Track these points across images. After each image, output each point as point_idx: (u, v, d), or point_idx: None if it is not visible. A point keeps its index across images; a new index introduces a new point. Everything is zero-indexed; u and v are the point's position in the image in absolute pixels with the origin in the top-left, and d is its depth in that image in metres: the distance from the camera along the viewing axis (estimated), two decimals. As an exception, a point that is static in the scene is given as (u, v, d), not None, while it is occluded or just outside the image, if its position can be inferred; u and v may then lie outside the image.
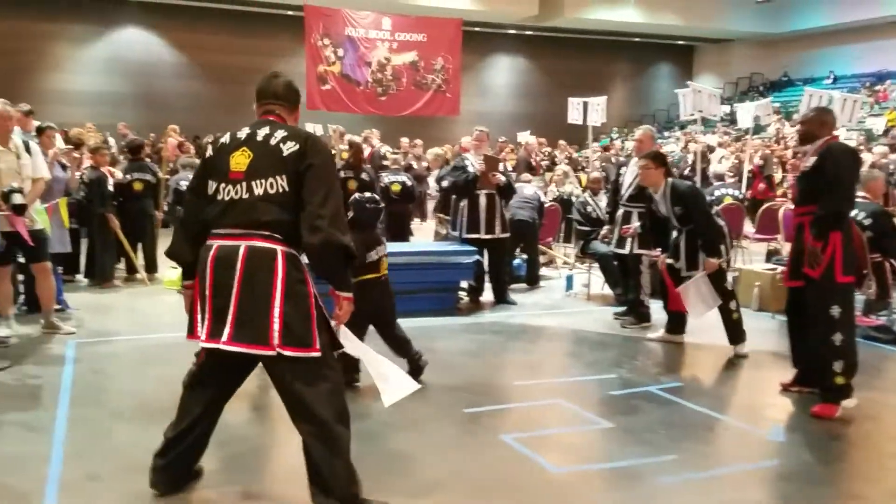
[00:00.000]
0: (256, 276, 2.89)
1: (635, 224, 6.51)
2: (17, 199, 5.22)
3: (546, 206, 9.01)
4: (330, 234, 2.85)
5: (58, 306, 6.33)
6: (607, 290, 7.82)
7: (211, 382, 3.18)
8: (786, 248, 8.69)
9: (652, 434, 4.15)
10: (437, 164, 9.61)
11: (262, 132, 3.03)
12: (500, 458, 3.80)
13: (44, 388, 4.71)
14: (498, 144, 15.74)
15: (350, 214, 4.71)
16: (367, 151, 11.32)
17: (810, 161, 4.52)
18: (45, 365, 5.19)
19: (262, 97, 3.18)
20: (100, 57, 23.29)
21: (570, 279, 8.25)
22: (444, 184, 7.88)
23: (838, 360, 4.39)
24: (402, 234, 8.89)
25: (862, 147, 13.77)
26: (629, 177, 6.70)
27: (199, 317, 3.02)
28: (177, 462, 3.22)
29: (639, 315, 6.60)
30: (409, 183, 8.80)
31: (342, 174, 8.25)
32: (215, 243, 2.98)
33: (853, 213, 5.15)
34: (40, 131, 6.82)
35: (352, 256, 2.97)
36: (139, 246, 8.27)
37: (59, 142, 7.45)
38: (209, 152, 3.14)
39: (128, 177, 8.22)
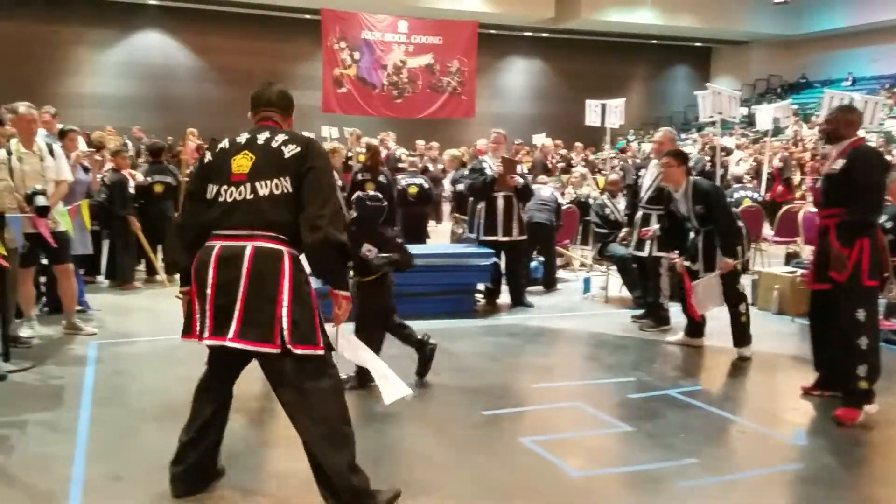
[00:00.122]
0: (264, 276, 2.92)
1: (654, 226, 6.49)
2: (41, 200, 5.28)
3: (563, 208, 9.00)
4: (329, 232, 2.92)
5: (79, 307, 6.41)
6: (625, 293, 7.80)
7: (217, 383, 3.23)
8: (805, 251, 8.65)
9: (672, 438, 4.13)
10: (454, 166, 9.62)
11: (262, 136, 3.10)
12: (519, 461, 3.79)
13: (66, 389, 4.76)
14: (514, 146, 15.73)
15: (353, 213, 4.75)
16: (382, 154, 11.31)
17: (838, 164, 4.44)
18: (67, 365, 5.25)
19: (258, 105, 3.27)
20: (118, 61, 23.49)
21: (587, 282, 8.23)
22: (460, 186, 7.89)
23: (863, 365, 4.34)
24: (419, 236, 8.90)
25: (882, 150, 13.65)
26: (648, 179, 6.68)
27: (197, 317, 3.04)
28: (195, 466, 3.24)
29: (658, 318, 6.57)
30: (425, 185, 8.81)
31: (359, 176, 8.27)
32: (217, 244, 3.00)
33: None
34: (62, 134, 6.89)
35: (348, 256, 3.06)
36: (159, 248, 8.34)
37: (82, 144, 7.53)
38: (208, 157, 3.17)
39: (148, 179, 8.31)
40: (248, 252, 2.93)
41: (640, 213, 6.74)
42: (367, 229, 4.77)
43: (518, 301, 7.48)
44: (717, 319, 5.82)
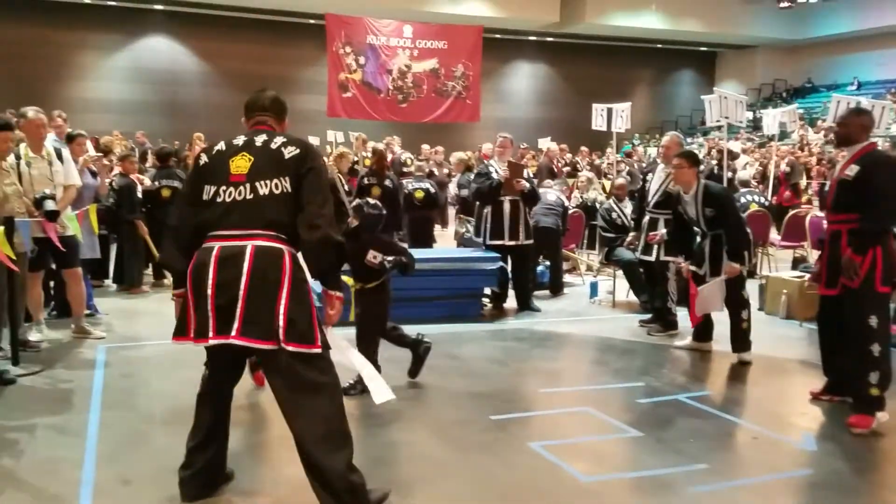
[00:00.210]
0: (265, 274, 2.93)
1: (662, 231, 6.48)
2: (50, 205, 5.29)
3: (570, 212, 8.99)
4: (329, 232, 2.98)
5: (87, 311, 6.43)
6: (632, 297, 7.79)
7: (218, 386, 3.23)
8: (812, 256, 8.62)
9: (681, 443, 4.12)
10: (460, 169, 9.62)
11: (259, 139, 3.13)
12: (528, 466, 3.78)
13: (75, 392, 4.77)
14: (519, 151, 15.72)
15: (355, 222, 4.74)
16: (388, 158, 11.34)
17: (852, 170, 4.38)
18: (76, 369, 5.26)
19: (252, 110, 3.31)
20: (125, 65, 23.60)
21: (594, 286, 8.22)
22: (464, 192, 7.89)
23: (875, 371, 4.30)
24: (426, 240, 8.92)
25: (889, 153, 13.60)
26: (655, 183, 6.67)
27: (192, 319, 3.02)
28: (204, 470, 3.24)
29: (665, 322, 6.56)
30: (432, 190, 8.82)
31: (365, 181, 8.30)
32: (217, 244, 2.99)
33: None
34: (70, 139, 6.91)
35: (344, 257, 3.10)
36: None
37: (91, 149, 7.56)
38: (203, 160, 3.17)
39: (156, 184, 8.33)
40: (248, 251, 2.94)
41: (647, 218, 6.72)
42: (369, 237, 4.78)
43: (525, 305, 7.47)
44: (725, 325, 5.81)
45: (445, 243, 10.33)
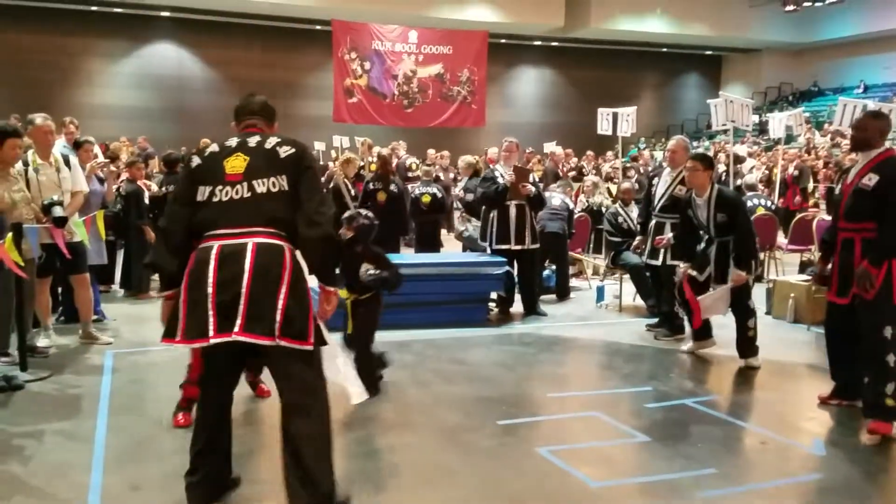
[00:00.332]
0: (267, 271, 2.94)
1: (668, 235, 6.46)
2: (58, 211, 5.31)
3: (576, 216, 8.98)
4: (329, 229, 3.05)
5: (95, 317, 6.44)
6: (639, 302, 7.77)
7: (217, 387, 3.20)
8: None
9: (690, 447, 4.11)
10: (468, 173, 9.62)
11: (252, 140, 3.18)
12: (537, 472, 3.77)
13: (83, 398, 4.78)
14: (525, 155, 15.73)
15: (346, 232, 4.76)
16: (393, 163, 11.35)
17: (871, 179, 4.27)
18: (84, 375, 5.28)
19: (242, 114, 3.37)
20: (131, 72, 23.68)
21: (601, 290, 8.20)
22: (469, 197, 7.89)
23: (891, 383, 4.20)
24: (433, 244, 8.92)
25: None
26: (662, 187, 6.66)
27: (185, 320, 2.98)
28: (210, 476, 3.23)
29: (672, 327, 6.54)
30: (439, 194, 8.83)
31: (371, 186, 8.31)
32: (216, 243, 2.99)
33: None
34: (78, 145, 6.94)
35: (340, 254, 3.20)
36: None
37: (100, 155, 7.59)
38: (195, 162, 3.18)
39: (163, 189, 8.34)
40: (249, 248, 2.95)
41: (653, 222, 6.71)
42: (362, 247, 4.79)
43: (531, 310, 7.46)
44: (731, 328, 5.78)
45: (453, 248, 10.32)
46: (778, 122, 13.02)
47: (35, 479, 3.58)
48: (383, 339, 6.04)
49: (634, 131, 11.59)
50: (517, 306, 7.56)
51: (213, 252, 2.97)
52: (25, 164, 5.53)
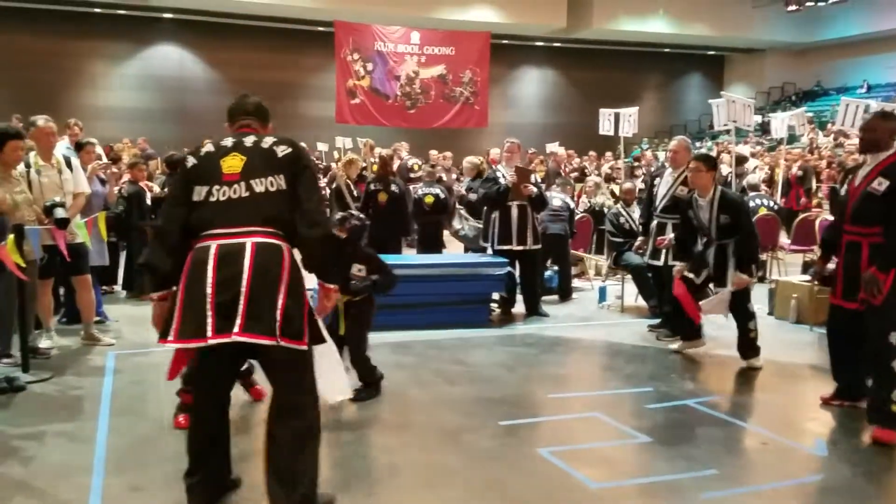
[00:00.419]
0: (266, 270, 2.94)
1: (670, 235, 6.45)
2: (60, 213, 5.32)
3: (577, 217, 8.97)
4: (329, 228, 3.11)
5: (97, 318, 6.45)
6: (641, 302, 7.76)
7: (213, 388, 3.19)
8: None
9: (691, 448, 4.10)
10: (472, 174, 9.61)
11: (248, 140, 3.17)
12: (537, 472, 3.77)
13: (85, 399, 4.79)
14: (528, 156, 15.74)
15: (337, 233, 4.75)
16: (396, 164, 11.36)
17: (882, 184, 4.21)
18: (85, 376, 5.28)
19: (236, 114, 3.36)
20: (134, 74, 23.74)
21: (602, 291, 8.20)
22: (473, 196, 7.89)
23: None
24: (436, 245, 8.92)
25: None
26: (664, 188, 6.65)
27: (181, 320, 2.96)
28: (209, 477, 3.23)
29: (674, 327, 6.52)
30: (441, 195, 8.83)
31: (372, 187, 8.30)
32: (214, 243, 2.98)
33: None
34: (80, 146, 6.96)
35: (339, 252, 3.24)
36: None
37: (104, 156, 7.61)
38: (191, 162, 3.17)
39: (165, 190, 8.36)
40: (248, 247, 2.95)
41: (655, 222, 6.71)
42: (353, 248, 4.78)
43: (533, 311, 7.46)
44: (733, 329, 5.77)
45: (455, 249, 10.32)
46: (780, 122, 13.00)
47: (36, 481, 3.58)
48: (386, 339, 6.09)
49: (636, 131, 11.58)
50: (519, 307, 7.56)
51: (212, 252, 2.96)
52: (27, 165, 5.54)
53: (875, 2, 23.39)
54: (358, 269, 4.70)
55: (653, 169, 14.17)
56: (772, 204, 10.08)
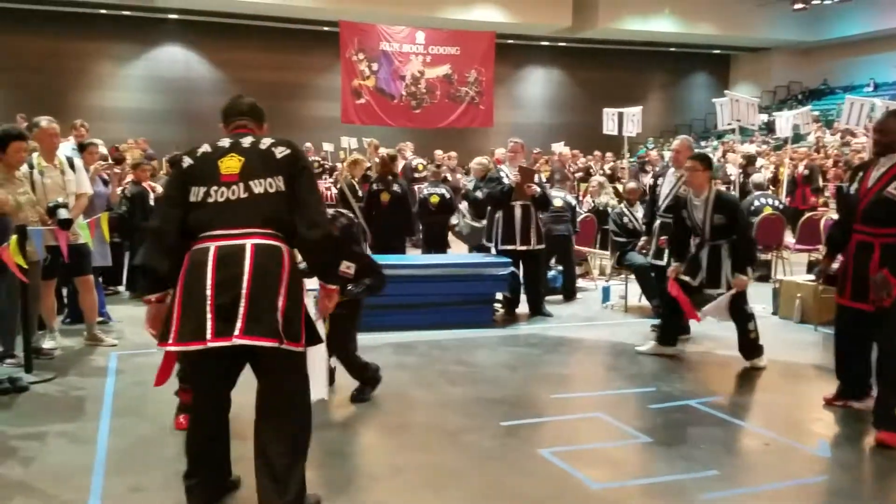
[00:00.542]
0: (266, 272, 2.93)
1: (672, 235, 6.42)
2: (63, 213, 5.33)
3: (581, 217, 8.95)
4: (329, 229, 3.12)
5: (100, 319, 6.47)
6: (644, 302, 7.74)
7: (212, 390, 3.18)
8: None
9: (693, 449, 4.08)
10: (481, 174, 9.61)
11: (246, 140, 3.16)
12: (538, 473, 3.76)
13: (87, 400, 4.80)
14: (532, 156, 15.71)
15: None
16: (400, 164, 11.35)
17: None
18: (88, 376, 5.29)
19: (231, 115, 3.35)
20: (140, 74, 23.81)
21: (606, 291, 8.18)
22: (479, 194, 7.88)
23: None
24: (441, 245, 8.93)
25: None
26: (667, 187, 6.63)
27: (181, 321, 2.94)
28: (209, 478, 3.22)
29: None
30: (447, 195, 8.83)
31: (374, 187, 8.30)
32: (213, 244, 2.96)
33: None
34: (83, 147, 6.98)
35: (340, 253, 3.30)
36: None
37: (109, 158, 7.63)
38: (187, 162, 3.14)
39: (167, 191, 8.38)
40: (248, 249, 2.93)
41: (658, 222, 6.68)
42: (344, 249, 4.76)
43: (537, 311, 7.44)
44: (734, 330, 5.74)
45: (460, 249, 10.32)
46: (785, 121, 12.95)
47: (37, 481, 3.58)
48: (388, 340, 6.10)
49: (640, 131, 11.56)
50: (523, 307, 7.55)
51: (211, 253, 2.94)
52: (30, 166, 5.56)
53: (881, 0, 23.29)
54: (346, 267, 4.66)
55: (657, 169, 14.15)
56: (777, 203, 10.05)
